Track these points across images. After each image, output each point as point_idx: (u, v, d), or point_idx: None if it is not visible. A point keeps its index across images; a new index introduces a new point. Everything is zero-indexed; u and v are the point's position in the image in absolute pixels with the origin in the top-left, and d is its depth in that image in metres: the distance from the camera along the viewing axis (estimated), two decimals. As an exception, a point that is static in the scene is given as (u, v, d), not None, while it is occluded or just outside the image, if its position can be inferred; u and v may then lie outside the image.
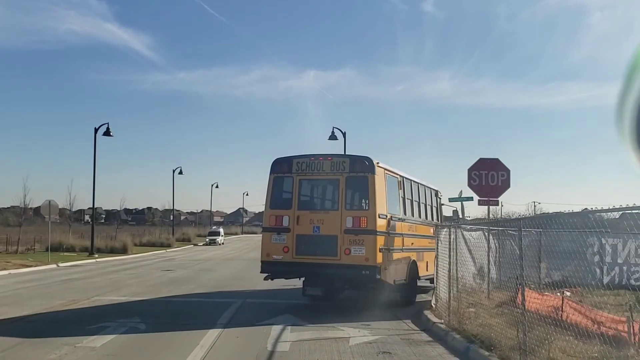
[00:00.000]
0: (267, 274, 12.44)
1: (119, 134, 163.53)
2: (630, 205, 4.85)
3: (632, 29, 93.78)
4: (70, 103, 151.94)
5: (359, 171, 11.80)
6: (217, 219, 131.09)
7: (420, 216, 14.74)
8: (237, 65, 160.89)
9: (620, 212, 5.75)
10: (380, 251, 11.53)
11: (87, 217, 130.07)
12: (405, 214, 13.33)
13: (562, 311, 10.36)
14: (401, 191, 13.21)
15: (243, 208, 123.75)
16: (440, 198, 17.47)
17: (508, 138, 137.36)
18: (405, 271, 12.88)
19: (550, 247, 13.27)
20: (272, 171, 12.55)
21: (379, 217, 11.63)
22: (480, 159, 13.70)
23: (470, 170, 13.53)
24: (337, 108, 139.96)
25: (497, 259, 13.38)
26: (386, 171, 12.37)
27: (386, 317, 11.44)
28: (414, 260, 13.37)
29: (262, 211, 13.94)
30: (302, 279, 12.70)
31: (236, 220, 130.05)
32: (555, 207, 69.32)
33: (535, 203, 73.69)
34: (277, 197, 12.44)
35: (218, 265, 27.78)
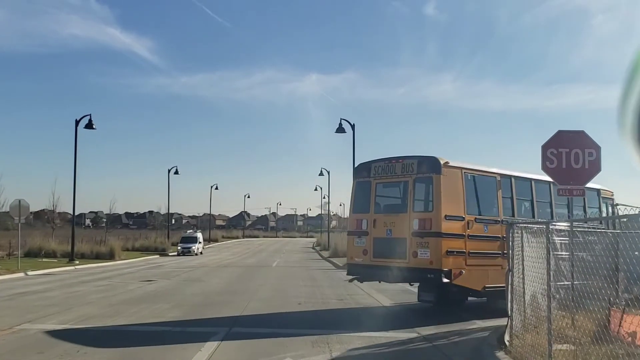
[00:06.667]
0: (352, 277, 12.90)
1: (121, 137, 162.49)
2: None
3: (634, 31, 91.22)
4: (72, 107, 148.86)
5: (425, 172, 11.58)
6: (219, 222, 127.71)
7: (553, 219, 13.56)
8: (239, 69, 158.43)
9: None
10: (448, 254, 11.05)
11: (87, 221, 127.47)
12: (513, 215, 12.20)
13: None
14: (501, 191, 12.30)
15: (245, 211, 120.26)
16: (608, 198, 15.10)
17: (511, 140, 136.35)
18: None
19: (629, 253, 9.90)
20: (354, 176, 13.07)
21: (446, 218, 11.15)
22: (559, 131, 9.77)
23: (545, 148, 9.60)
24: (340, 111, 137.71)
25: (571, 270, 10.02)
26: (465, 170, 11.77)
27: (434, 357, 7.66)
28: None
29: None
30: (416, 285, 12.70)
31: (238, 223, 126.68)
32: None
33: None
34: (358, 201, 12.79)
35: (209, 274, 23.94)
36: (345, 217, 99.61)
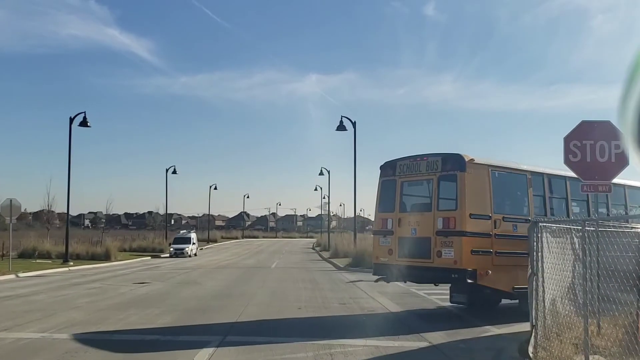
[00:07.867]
0: (378, 277, 12.71)
1: (121, 138, 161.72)
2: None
3: (634, 31, 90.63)
4: (71, 107, 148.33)
5: (449, 170, 11.35)
6: (219, 222, 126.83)
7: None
8: (239, 69, 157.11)
9: None
10: (473, 254, 10.74)
11: (87, 222, 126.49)
12: (545, 215, 11.65)
13: None
14: (532, 190, 11.92)
15: (244, 212, 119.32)
16: None
17: (511, 141, 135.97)
18: None
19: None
20: (380, 175, 12.78)
21: (471, 217, 10.88)
22: (583, 122, 8.96)
23: (568, 140, 8.79)
24: (339, 111, 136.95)
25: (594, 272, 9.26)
26: (493, 168, 11.44)
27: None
28: None
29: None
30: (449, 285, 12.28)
31: (238, 224, 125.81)
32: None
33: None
34: (384, 200, 12.61)
35: (206, 276, 23.10)
36: (345, 217, 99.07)
